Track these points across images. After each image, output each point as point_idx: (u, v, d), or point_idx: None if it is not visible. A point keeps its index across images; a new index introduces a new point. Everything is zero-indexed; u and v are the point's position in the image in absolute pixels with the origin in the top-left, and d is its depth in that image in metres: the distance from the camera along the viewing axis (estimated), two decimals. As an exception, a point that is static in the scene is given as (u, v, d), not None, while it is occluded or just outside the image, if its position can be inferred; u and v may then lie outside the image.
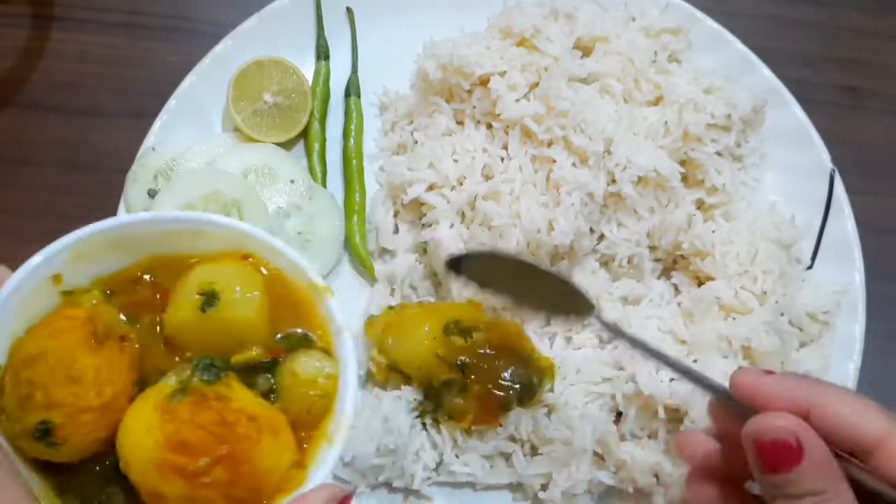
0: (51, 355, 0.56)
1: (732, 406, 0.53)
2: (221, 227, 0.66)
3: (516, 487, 0.84)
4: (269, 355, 0.64)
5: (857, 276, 0.92)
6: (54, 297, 0.61)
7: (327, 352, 0.65)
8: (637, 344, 0.59)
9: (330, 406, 0.63)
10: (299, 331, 0.66)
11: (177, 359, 0.63)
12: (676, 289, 0.90)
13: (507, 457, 0.83)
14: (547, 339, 0.87)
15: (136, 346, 0.61)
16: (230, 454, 0.57)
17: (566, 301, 0.64)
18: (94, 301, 0.61)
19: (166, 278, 0.65)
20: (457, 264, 0.67)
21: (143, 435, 0.56)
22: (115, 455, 0.57)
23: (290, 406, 0.63)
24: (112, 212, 0.87)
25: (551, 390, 0.81)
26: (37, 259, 0.59)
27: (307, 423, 0.63)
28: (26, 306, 0.59)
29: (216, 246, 0.66)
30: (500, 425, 0.81)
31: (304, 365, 0.63)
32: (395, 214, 0.93)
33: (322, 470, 0.60)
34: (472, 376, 0.78)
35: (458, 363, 0.78)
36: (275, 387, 0.63)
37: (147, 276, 0.66)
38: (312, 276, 0.66)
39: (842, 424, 0.47)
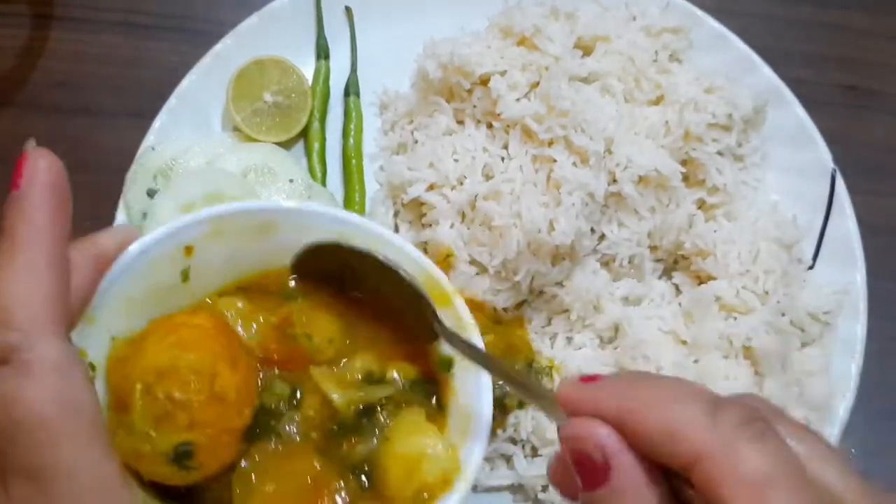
0: (188, 369, 0.49)
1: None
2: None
3: (517, 489, 0.83)
4: None
5: (859, 276, 0.91)
6: (177, 275, 0.55)
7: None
8: (475, 354, 0.53)
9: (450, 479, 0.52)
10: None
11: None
12: (677, 289, 0.90)
13: (507, 458, 0.83)
14: (548, 339, 0.86)
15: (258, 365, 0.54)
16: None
17: (410, 302, 0.56)
18: (238, 307, 0.54)
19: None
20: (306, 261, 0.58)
21: None
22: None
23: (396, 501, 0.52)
24: (112, 212, 0.87)
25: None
26: (174, 225, 0.53)
27: None
28: (150, 273, 0.53)
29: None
30: (501, 427, 0.80)
31: (413, 447, 0.53)
32: (395, 214, 0.92)
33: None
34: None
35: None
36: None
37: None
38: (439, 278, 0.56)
39: (655, 442, 0.42)
